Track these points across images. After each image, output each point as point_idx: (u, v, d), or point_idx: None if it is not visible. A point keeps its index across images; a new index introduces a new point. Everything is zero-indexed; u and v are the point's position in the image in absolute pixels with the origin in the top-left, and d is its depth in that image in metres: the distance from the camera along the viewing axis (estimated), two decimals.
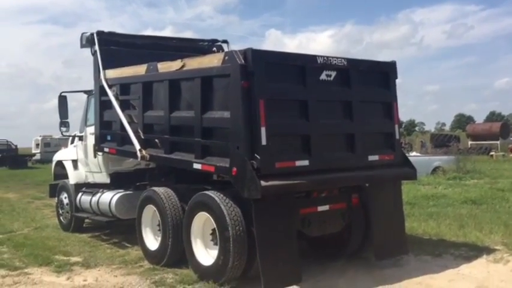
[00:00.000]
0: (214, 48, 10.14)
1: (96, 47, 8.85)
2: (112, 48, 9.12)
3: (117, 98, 8.24)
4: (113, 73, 8.55)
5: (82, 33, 9.09)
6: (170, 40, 10.09)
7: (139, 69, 7.82)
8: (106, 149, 8.88)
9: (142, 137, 7.62)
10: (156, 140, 7.49)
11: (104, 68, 8.66)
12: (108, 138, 8.86)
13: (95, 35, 8.90)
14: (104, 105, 8.75)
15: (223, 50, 10.09)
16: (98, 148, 9.06)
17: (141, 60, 8.13)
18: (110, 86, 8.42)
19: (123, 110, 8.07)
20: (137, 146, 7.50)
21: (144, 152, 7.44)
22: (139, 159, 7.57)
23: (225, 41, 10.23)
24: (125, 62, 8.38)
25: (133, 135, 7.65)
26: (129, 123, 7.90)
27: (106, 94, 8.44)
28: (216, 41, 10.23)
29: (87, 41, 9.01)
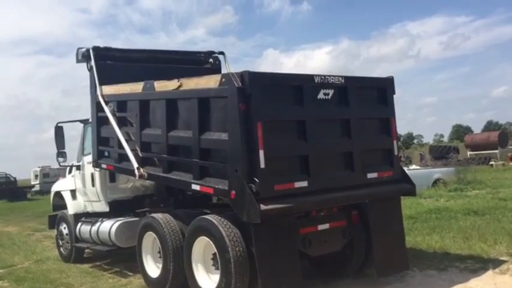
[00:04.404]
0: (211, 60, 10.09)
1: (92, 63, 8.79)
2: (108, 63, 9.07)
3: (114, 115, 8.20)
4: (109, 89, 8.50)
5: (78, 49, 9.00)
6: (166, 53, 9.98)
7: (136, 87, 7.80)
8: (104, 165, 8.80)
9: (140, 154, 7.57)
10: (154, 159, 7.43)
11: (101, 83, 8.60)
12: (106, 154, 8.80)
13: (90, 50, 8.83)
14: (101, 121, 8.71)
15: (219, 62, 10.10)
16: (95, 164, 8.98)
17: (138, 74, 8.13)
18: (106, 102, 8.38)
19: (120, 127, 8.01)
20: (135, 164, 7.44)
21: (142, 170, 7.38)
22: (137, 177, 7.49)
23: (222, 53, 10.13)
24: (122, 76, 8.35)
25: (130, 153, 7.60)
26: (127, 140, 7.84)
27: (103, 110, 8.39)
28: (213, 52, 10.14)
29: (83, 57, 8.93)
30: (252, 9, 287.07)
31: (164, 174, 7.13)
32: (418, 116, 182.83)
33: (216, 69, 9.87)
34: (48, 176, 42.83)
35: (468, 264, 7.35)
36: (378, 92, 7.02)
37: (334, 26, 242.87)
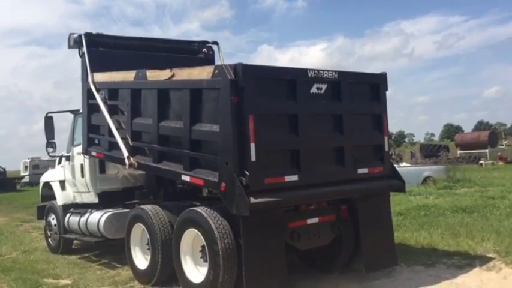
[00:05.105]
0: (205, 50, 10.02)
1: (84, 49, 8.68)
2: (100, 49, 8.97)
3: (105, 102, 8.10)
4: (101, 77, 8.40)
5: (70, 34, 8.88)
6: (160, 41, 9.90)
7: (128, 75, 7.72)
8: (93, 153, 8.73)
9: (131, 143, 7.50)
10: (145, 148, 7.37)
11: (92, 70, 8.50)
12: (96, 142, 8.73)
13: (82, 36, 8.72)
14: (92, 108, 8.62)
15: (213, 52, 10.03)
16: (85, 152, 8.90)
17: (130, 61, 8.03)
18: (97, 90, 8.28)
19: (111, 115, 7.93)
20: (125, 153, 7.37)
21: (132, 159, 7.33)
22: (127, 166, 7.43)
23: (215, 43, 10.06)
24: (114, 64, 8.27)
25: (121, 142, 7.51)
26: (117, 128, 7.75)
27: (94, 97, 8.30)
28: (207, 42, 10.08)
29: (75, 43, 8.82)
30: (247, 4, 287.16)
31: (154, 164, 7.08)
32: (410, 114, 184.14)
33: (209, 59, 9.82)
34: (38, 168, 42.40)
35: (455, 261, 7.40)
36: (371, 88, 7.02)
37: (329, 23, 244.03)
